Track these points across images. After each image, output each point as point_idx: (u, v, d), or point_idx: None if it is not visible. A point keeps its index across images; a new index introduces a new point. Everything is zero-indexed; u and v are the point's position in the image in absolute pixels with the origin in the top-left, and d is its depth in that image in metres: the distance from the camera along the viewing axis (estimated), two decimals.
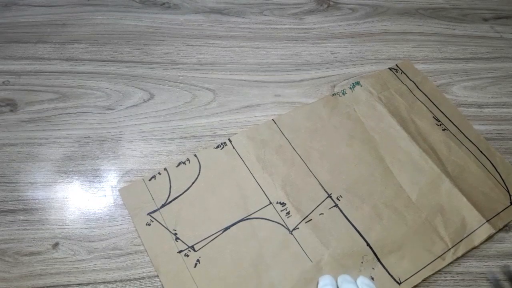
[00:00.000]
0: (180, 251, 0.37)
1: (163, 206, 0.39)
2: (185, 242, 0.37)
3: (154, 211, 0.39)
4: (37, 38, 0.52)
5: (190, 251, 0.37)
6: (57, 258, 0.37)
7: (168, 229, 0.38)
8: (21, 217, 0.39)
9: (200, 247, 0.37)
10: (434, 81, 0.52)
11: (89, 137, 0.44)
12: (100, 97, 0.47)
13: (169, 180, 0.41)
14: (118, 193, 0.41)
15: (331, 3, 0.60)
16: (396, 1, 0.61)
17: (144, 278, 0.36)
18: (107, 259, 0.37)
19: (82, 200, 0.40)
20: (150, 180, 0.41)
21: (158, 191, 0.40)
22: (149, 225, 0.38)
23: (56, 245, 0.38)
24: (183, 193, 0.40)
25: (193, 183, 0.41)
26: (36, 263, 0.37)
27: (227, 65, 0.51)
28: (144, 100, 0.48)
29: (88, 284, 0.36)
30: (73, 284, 0.36)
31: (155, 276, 0.36)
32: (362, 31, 0.57)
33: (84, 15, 0.55)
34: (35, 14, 0.55)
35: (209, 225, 0.38)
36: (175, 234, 0.38)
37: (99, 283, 0.36)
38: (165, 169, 0.41)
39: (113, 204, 0.40)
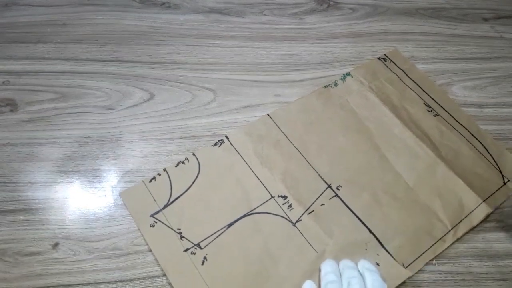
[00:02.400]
0: (186, 250, 0.37)
1: (165, 206, 0.39)
2: (190, 240, 0.38)
3: (157, 212, 0.39)
4: (37, 38, 0.52)
5: (196, 249, 0.37)
6: (57, 258, 0.37)
7: (172, 229, 0.38)
8: (21, 217, 0.39)
9: (206, 244, 0.37)
10: (434, 81, 0.52)
11: (89, 137, 0.44)
12: (100, 97, 0.47)
13: (170, 180, 0.41)
14: (118, 193, 0.41)
15: (331, 3, 0.60)
16: (396, 1, 0.61)
17: (144, 278, 0.36)
18: (107, 259, 0.37)
19: (82, 200, 0.40)
20: (150, 181, 0.41)
21: (159, 192, 0.40)
22: (153, 226, 0.38)
23: (56, 245, 0.37)
24: (184, 192, 0.40)
25: (193, 182, 0.41)
26: (36, 263, 0.36)
27: (227, 65, 0.51)
28: (144, 100, 0.48)
29: (88, 284, 0.36)
30: (73, 284, 0.36)
31: (155, 276, 0.36)
32: (362, 31, 0.57)
33: (84, 15, 0.55)
34: (35, 14, 0.55)
35: (213, 222, 0.39)
36: (180, 233, 0.38)
37: (99, 283, 0.36)
38: (164, 169, 0.41)
39: (113, 204, 0.40)
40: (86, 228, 0.39)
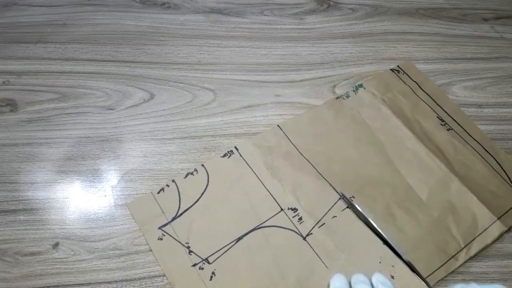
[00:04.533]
0: (194, 264, 0.36)
1: (174, 219, 0.39)
2: (198, 255, 0.37)
3: (165, 224, 0.38)
4: (37, 38, 0.52)
5: (204, 263, 0.36)
6: (57, 258, 0.37)
7: (181, 243, 0.37)
8: (22, 217, 0.39)
9: (214, 259, 0.37)
10: (434, 81, 0.52)
11: (89, 137, 0.44)
12: (100, 97, 0.47)
13: (178, 192, 0.40)
14: (118, 193, 0.41)
15: (331, 3, 0.60)
16: (396, 1, 0.61)
17: (144, 278, 0.36)
18: (107, 259, 0.37)
19: (83, 200, 0.40)
20: (158, 193, 0.40)
21: (167, 204, 0.40)
22: (161, 239, 0.38)
23: (56, 245, 0.38)
24: (193, 204, 0.40)
25: (202, 194, 0.40)
26: (37, 263, 0.37)
27: (227, 65, 0.51)
28: (144, 100, 0.48)
29: (89, 284, 0.36)
30: (73, 284, 0.36)
31: (155, 276, 0.36)
32: (362, 31, 0.57)
33: (84, 15, 0.55)
34: (35, 14, 0.55)
35: (222, 236, 0.38)
36: (188, 247, 0.37)
37: (99, 283, 0.36)
38: (173, 180, 0.41)
39: (113, 204, 0.40)
40: (86, 228, 0.39)
